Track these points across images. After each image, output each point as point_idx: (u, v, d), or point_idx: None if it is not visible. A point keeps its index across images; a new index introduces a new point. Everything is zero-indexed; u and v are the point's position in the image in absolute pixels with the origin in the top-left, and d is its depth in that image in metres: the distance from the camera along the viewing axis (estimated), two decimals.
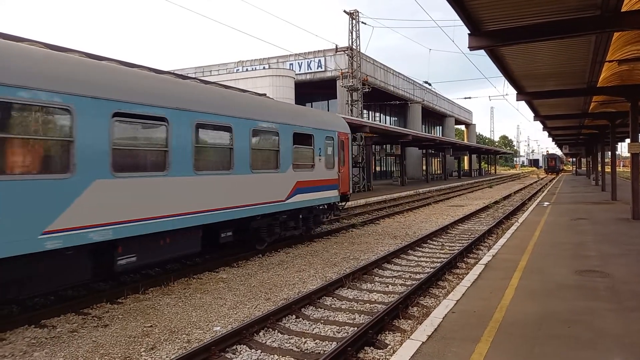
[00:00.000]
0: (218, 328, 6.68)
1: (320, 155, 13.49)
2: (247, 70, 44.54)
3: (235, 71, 45.04)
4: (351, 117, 31.79)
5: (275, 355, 5.76)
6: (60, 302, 7.84)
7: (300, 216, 13.05)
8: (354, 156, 34.86)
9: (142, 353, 5.86)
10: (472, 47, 10.02)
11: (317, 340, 6.20)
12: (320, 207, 14.33)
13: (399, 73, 54.82)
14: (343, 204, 16.17)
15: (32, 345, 6.13)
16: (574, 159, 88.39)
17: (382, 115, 58.36)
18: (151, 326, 6.77)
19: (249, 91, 12.68)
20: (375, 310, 7.25)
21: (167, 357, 5.71)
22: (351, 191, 15.98)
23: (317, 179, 13.37)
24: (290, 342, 6.18)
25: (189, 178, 8.89)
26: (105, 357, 5.75)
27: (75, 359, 5.70)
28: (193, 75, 37.53)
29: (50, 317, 7.13)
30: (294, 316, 7.14)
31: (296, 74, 42.92)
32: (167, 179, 8.44)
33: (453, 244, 13.21)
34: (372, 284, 9.03)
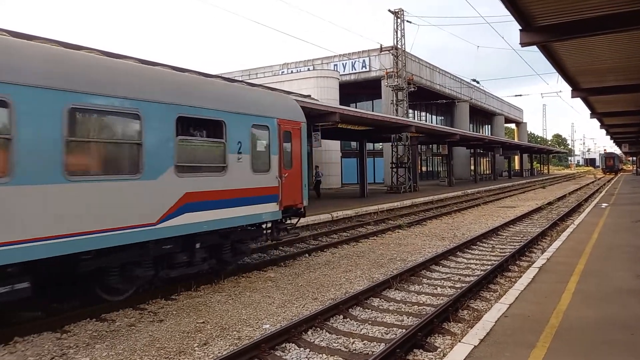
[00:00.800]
0: (267, 326, 6.81)
1: (240, 153, 9.29)
2: (291, 72, 44.99)
3: (280, 73, 45.58)
4: (397, 117, 31.49)
5: (324, 355, 5.81)
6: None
7: (198, 245, 8.67)
8: (399, 156, 34.60)
9: (196, 348, 6.06)
10: (523, 44, 9.75)
11: (365, 341, 6.20)
12: (254, 228, 10.31)
13: (445, 71, 53.79)
14: (293, 220, 11.46)
15: (94, 338, 6.47)
16: (635, 158, 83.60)
17: (428, 114, 57.46)
18: (203, 322, 6.99)
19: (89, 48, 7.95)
20: (424, 313, 7.16)
21: (219, 352, 5.88)
22: (306, 203, 11.29)
23: (234, 188, 9.17)
24: (338, 342, 6.21)
25: None
26: (161, 351, 5.98)
27: (133, 351, 5.97)
28: (240, 79, 38.29)
29: (109, 311, 7.48)
30: (341, 316, 7.16)
31: (340, 75, 42.92)
32: None
33: (504, 247, 12.83)
34: (420, 286, 8.92)
